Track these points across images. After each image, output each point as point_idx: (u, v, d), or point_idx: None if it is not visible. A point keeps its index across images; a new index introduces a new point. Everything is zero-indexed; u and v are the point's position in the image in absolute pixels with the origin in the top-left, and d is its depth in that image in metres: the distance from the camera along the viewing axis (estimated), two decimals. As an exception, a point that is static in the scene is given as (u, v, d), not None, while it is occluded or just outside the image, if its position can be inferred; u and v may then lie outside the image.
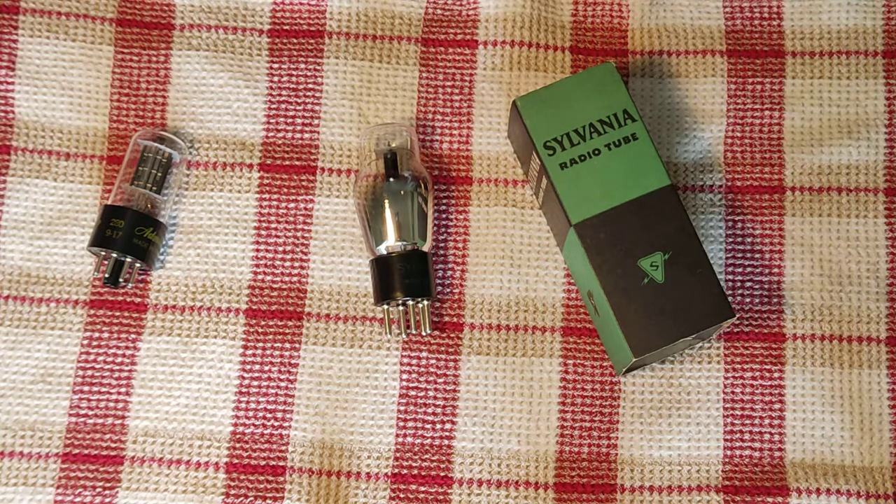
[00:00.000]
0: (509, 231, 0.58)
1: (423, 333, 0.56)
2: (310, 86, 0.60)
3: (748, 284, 0.57)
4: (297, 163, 0.59)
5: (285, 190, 0.59)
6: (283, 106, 0.60)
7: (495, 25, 0.60)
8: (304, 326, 0.57)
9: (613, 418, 0.56)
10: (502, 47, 0.60)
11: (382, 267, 0.56)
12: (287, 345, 0.57)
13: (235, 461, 0.56)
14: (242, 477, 0.55)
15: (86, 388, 0.56)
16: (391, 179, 0.56)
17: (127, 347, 0.57)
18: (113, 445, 0.56)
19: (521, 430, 0.56)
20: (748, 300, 0.57)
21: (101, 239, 0.56)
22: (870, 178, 0.58)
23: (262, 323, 0.57)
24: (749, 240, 0.58)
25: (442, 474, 0.56)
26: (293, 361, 0.57)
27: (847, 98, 0.59)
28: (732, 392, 0.56)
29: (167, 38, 0.60)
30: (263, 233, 0.58)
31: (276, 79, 0.60)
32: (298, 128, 0.60)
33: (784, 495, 0.54)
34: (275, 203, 0.59)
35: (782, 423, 0.56)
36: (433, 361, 0.57)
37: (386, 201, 0.56)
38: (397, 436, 0.56)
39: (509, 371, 0.57)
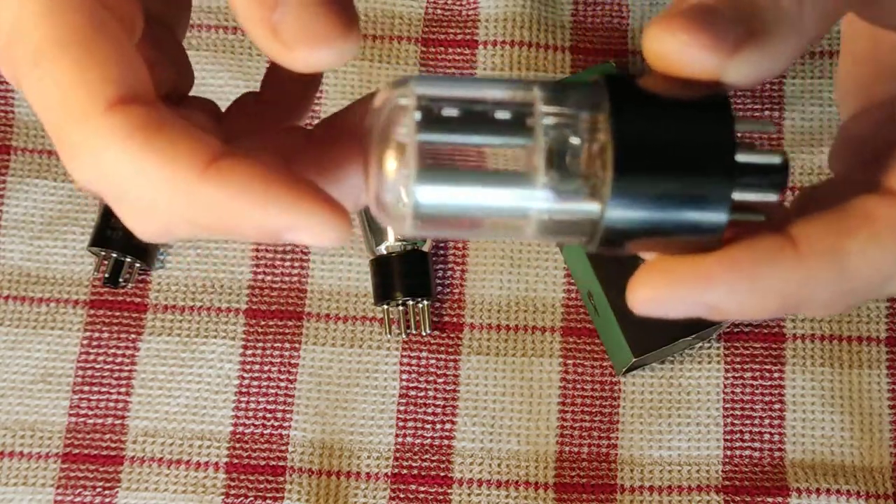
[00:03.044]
0: (509, 231, 0.58)
1: (423, 333, 0.56)
2: (310, 86, 0.60)
3: (748, 284, 0.57)
4: (297, 163, 0.59)
5: (285, 190, 0.59)
6: (283, 106, 0.60)
7: (495, 25, 0.60)
8: (303, 326, 0.57)
9: (613, 418, 0.56)
10: (502, 47, 0.60)
11: (382, 267, 0.55)
12: (287, 345, 0.57)
13: (235, 461, 0.56)
14: (242, 477, 0.55)
15: (86, 388, 0.56)
16: (391, 179, 0.56)
17: (127, 347, 0.57)
18: (113, 445, 0.56)
19: (521, 430, 0.56)
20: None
21: (101, 239, 0.56)
22: (870, 178, 0.58)
23: (262, 323, 0.57)
24: (749, 240, 0.58)
25: (442, 474, 0.55)
26: (293, 361, 0.57)
27: (847, 98, 0.59)
28: (732, 392, 0.56)
29: (167, 38, 0.60)
30: (263, 233, 0.58)
31: (275, 79, 0.60)
32: (298, 128, 0.59)
33: (784, 495, 0.54)
34: (275, 203, 0.59)
35: (782, 422, 0.56)
36: (433, 361, 0.57)
37: (386, 201, 0.56)
38: (397, 436, 0.56)
39: (509, 371, 0.57)
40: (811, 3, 0.27)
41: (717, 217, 0.25)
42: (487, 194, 0.25)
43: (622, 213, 0.25)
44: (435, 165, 0.25)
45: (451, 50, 0.60)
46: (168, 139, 0.26)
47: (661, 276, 0.26)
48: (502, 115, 0.25)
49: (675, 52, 0.26)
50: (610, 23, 0.61)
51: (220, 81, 0.60)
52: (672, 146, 0.25)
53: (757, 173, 0.26)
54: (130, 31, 0.29)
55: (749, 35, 0.26)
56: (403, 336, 0.56)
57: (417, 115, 0.25)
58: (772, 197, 0.27)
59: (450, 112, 0.25)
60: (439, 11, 0.61)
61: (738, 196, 0.26)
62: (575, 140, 0.25)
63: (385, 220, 0.26)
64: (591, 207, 0.25)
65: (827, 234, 0.26)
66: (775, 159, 0.26)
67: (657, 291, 0.26)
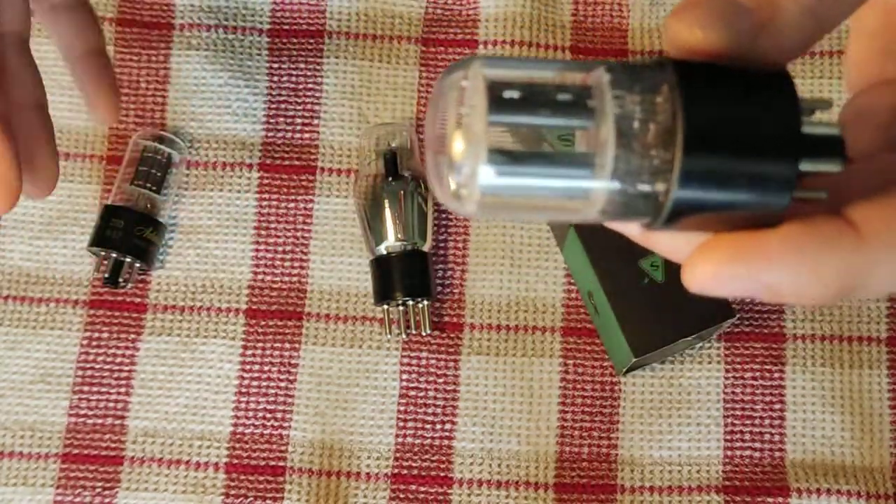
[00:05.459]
0: (509, 231, 0.58)
1: (423, 333, 0.56)
2: (310, 85, 0.60)
3: (748, 284, 0.57)
4: (297, 163, 0.59)
5: (285, 190, 0.59)
6: (283, 105, 0.60)
7: (495, 25, 0.60)
8: (303, 326, 0.57)
9: (614, 418, 0.56)
10: (502, 47, 0.60)
11: (382, 267, 0.55)
12: (287, 345, 0.57)
13: (235, 461, 0.56)
14: (242, 477, 0.55)
15: (85, 389, 0.56)
16: (391, 179, 0.56)
17: (126, 347, 0.57)
18: (112, 446, 0.56)
19: (521, 431, 0.56)
20: (748, 300, 0.57)
21: (101, 239, 0.56)
22: (870, 177, 0.58)
23: (262, 323, 0.57)
24: (749, 240, 0.58)
25: (442, 474, 0.55)
26: (293, 362, 0.57)
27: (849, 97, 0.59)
28: (733, 392, 0.56)
29: (167, 38, 0.60)
30: (263, 233, 0.58)
31: (275, 78, 0.60)
32: (298, 127, 0.59)
33: (784, 495, 0.54)
34: (274, 203, 0.59)
35: (783, 423, 0.56)
36: (433, 362, 0.57)
37: (386, 201, 0.56)
38: (397, 436, 0.56)
39: (509, 371, 0.57)
40: None
41: (783, 191, 0.25)
42: (554, 176, 0.25)
43: (691, 193, 0.25)
44: (501, 147, 0.25)
45: (451, 49, 0.60)
46: None
47: (722, 254, 0.25)
48: (565, 96, 0.25)
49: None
50: (610, 22, 0.61)
51: (219, 81, 0.60)
52: (738, 123, 0.25)
53: (819, 145, 0.26)
54: None
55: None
56: (403, 336, 0.56)
57: (485, 98, 0.25)
58: (835, 167, 0.26)
59: (514, 94, 0.25)
60: (440, 11, 0.61)
61: (804, 167, 0.25)
62: (641, 121, 0.25)
63: (451, 203, 0.26)
64: (657, 188, 0.25)
65: (888, 219, 0.25)
66: (835, 131, 0.26)
67: (718, 268, 0.25)
